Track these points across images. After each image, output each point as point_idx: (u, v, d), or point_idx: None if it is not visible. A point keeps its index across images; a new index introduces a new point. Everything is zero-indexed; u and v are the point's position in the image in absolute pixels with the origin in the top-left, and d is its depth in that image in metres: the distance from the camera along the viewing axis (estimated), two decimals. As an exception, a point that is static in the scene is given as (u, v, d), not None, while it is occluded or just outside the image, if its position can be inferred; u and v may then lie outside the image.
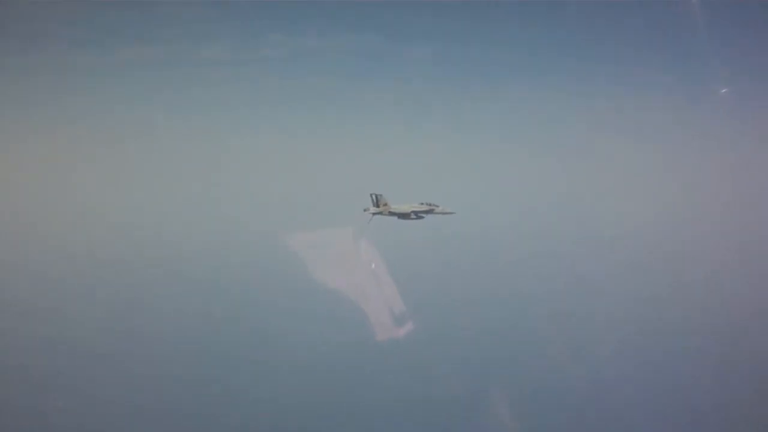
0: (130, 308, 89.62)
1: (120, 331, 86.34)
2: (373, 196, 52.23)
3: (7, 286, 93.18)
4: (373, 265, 59.69)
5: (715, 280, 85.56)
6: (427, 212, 52.14)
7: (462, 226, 57.27)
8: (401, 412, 76.85)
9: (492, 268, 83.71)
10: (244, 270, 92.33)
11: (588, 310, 78.25)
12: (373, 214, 52.13)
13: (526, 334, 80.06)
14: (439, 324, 77.41)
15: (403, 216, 52.16)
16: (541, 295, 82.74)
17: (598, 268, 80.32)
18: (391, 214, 52.34)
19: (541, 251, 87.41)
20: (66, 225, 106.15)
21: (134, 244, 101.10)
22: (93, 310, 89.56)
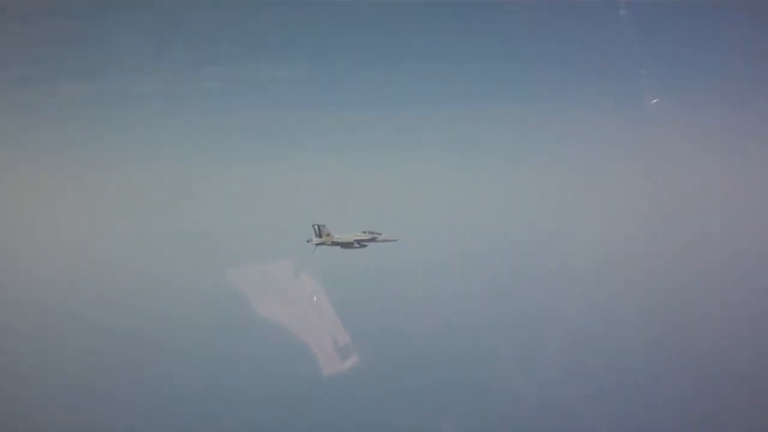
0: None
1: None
2: (316, 227, 51.90)
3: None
4: (315, 298, 59.30)
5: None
6: (370, 240, 52.39)
7: (405, 254, 57.47)
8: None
9: (434, 296, 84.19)
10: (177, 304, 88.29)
11: (537, 342, 79.30)
12: (317, 244, 51.81)
13: (471, 363, 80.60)
14: (381, 354, 76.87)
15: (347, 245, 52.19)
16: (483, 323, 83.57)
17: (547, 295, 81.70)
18: (334, 243, 52.25)
19: (485, 279, 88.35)
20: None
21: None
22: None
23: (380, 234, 52.39)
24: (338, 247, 52.34)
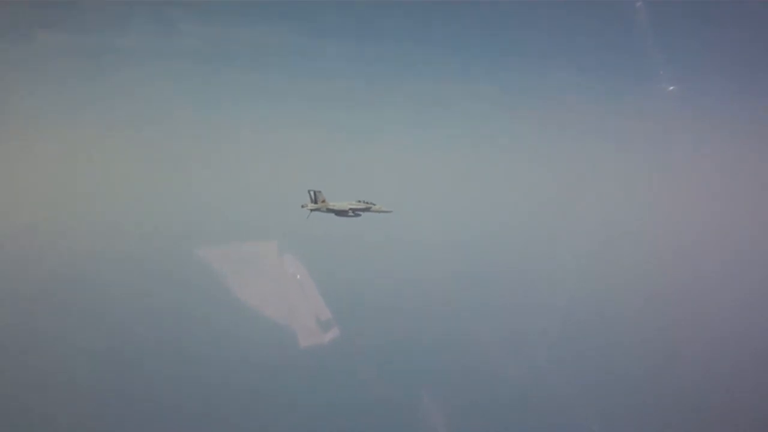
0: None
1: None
2: (312, 193, 52.50)
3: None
4: (299, 275, 60.13)
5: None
6: (364, 210, 52.96)
7: (399, 226, 58.05)
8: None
9: (424, 273, 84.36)
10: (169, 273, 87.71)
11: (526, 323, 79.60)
12: (311, 210, 52.37)
13: (452, 343, 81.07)
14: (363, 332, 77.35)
15: (341, 213, 52.73)
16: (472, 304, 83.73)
17: (539, 277, 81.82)
18: (329, 210, 52.78)
19: (477, 257, 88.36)
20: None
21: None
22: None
23: (374, 204, 52.99)
24: (332, 215, 53.19)
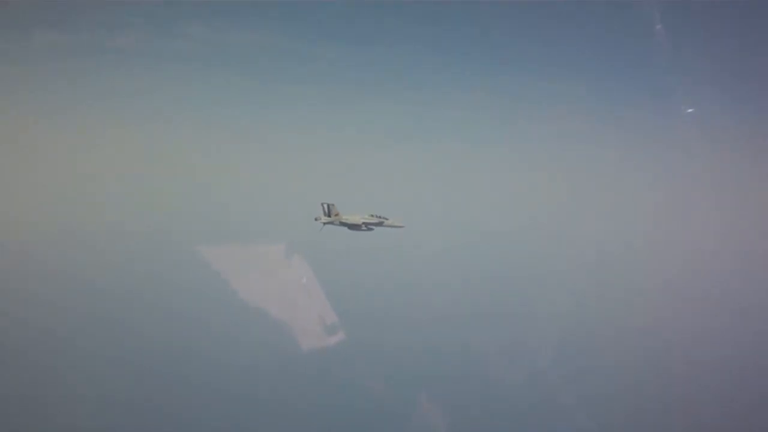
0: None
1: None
2: (325, 206, 52.87)
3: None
4: (305, 280, 60.38)
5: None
6: (377, 224, 53.26)
7: (410, 241, 58.28)
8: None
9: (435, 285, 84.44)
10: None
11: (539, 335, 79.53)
12: (324, 223, 52.75)
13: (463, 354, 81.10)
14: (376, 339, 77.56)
15: (354, 227, 53.07)
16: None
17: (553, 287, 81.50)
18: (342, 224, 53.16)
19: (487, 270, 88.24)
20: None
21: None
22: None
23: (387, 219, 53.23)
24: (345, 228, 53.52)
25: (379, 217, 53.07)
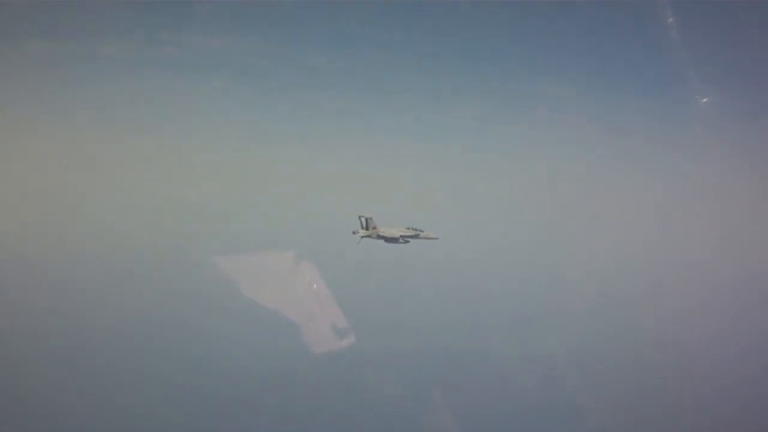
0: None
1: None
2: (363, 219, 52.79)
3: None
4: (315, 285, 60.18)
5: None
6: (413, 237, 53.61)
7: (445, 253, 58.78)
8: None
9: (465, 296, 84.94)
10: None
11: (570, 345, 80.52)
12: (362, 236, 52.75)
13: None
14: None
15: (391, 240, 53.27)
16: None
17: (583, 304, 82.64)
18: (379, 237, 53.26)
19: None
20: None
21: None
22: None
23: (422, 231, 53.65)
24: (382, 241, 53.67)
25: (416, 229, 53.38)
